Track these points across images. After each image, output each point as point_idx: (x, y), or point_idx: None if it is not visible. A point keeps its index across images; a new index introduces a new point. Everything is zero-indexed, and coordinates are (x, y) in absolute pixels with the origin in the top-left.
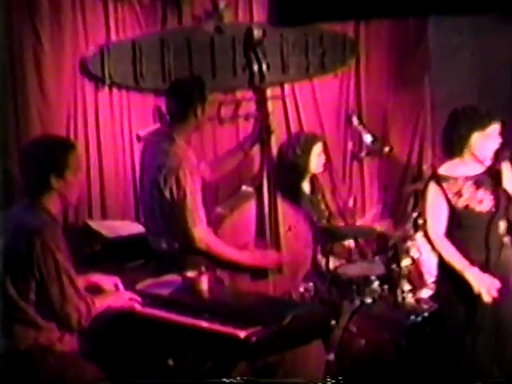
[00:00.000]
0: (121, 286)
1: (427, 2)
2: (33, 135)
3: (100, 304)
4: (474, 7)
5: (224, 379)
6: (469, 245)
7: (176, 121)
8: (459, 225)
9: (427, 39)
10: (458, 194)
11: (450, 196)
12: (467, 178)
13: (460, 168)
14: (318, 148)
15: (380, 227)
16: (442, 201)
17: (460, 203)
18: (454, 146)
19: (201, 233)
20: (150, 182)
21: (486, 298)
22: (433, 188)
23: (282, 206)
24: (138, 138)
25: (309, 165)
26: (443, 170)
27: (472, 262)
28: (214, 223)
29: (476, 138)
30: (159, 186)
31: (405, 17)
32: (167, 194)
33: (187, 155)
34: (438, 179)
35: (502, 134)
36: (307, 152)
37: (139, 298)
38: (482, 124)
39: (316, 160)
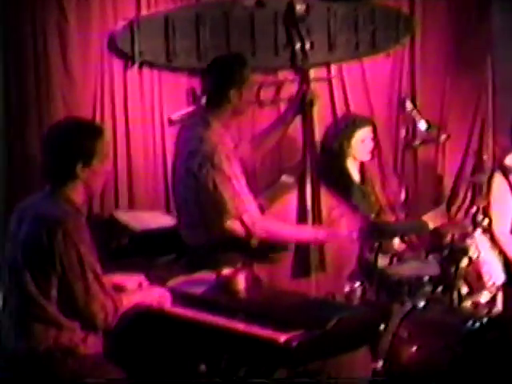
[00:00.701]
0: (146, 285)
1: None
2: (56, 118)
3: (128, 301)
4: None
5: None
6: None
7: (212, 103)
8: None
9: (490, 16)
10: None
11: None
12: None
13: None
14: (362, 133)
15: (434, 223)
16: (509, 194)
17: None
18: None
19: (252, 218)
20: (183, 170)
21: None
22: (499, 180)
23: (325, 196)
24: (170, 121)
25: (350, 151)
26: (510, 160)
27: None
28: None
29: None
30: (194, 173)
31: None
32: (202, 181)
33: (223, 140)
34: (505, 171)
35: None
36: (349, 137)
37: (170, 296)
38: None
39: (360, 147)
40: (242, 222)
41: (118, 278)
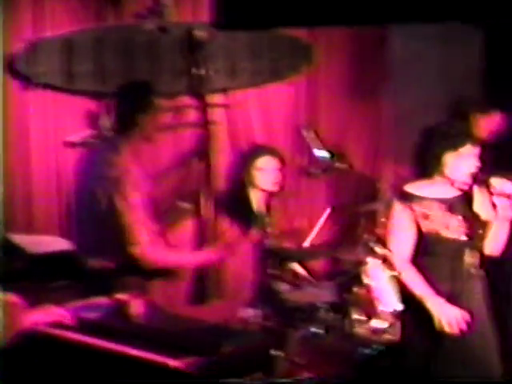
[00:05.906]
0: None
1: (387, 11)
2: None
3: (26, 320)
4: (435, 16)
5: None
6: (435, 274)
7: (121, 128)
8: (426, 251)
9: (387, 47)
10: (425, 216)
11: (416, 218)
12: (436, 201)
13: (429, 189)
14: (260, 162)
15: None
16: (409, 222)
17: (426, 227)
18: (427, 166)
19: (144, 250)
20: (86, 193)
21: (448, 329)
22: (399, 207)
23: (222, 223)
24: (69, 144)
25: (250, 180)
26: (411, 188)
27: (438, 292)
28: None
29: (448, 158)
30: (97, 198)
31: (363, 25)
32: (105, 207)
33: (131, 168)
34: (405, 198)
35: (480, 157)
36: (248, 166)
37: (70, 316)
38: (455, 143)
39: (259, 176)
40: (135, 252)
41: None
